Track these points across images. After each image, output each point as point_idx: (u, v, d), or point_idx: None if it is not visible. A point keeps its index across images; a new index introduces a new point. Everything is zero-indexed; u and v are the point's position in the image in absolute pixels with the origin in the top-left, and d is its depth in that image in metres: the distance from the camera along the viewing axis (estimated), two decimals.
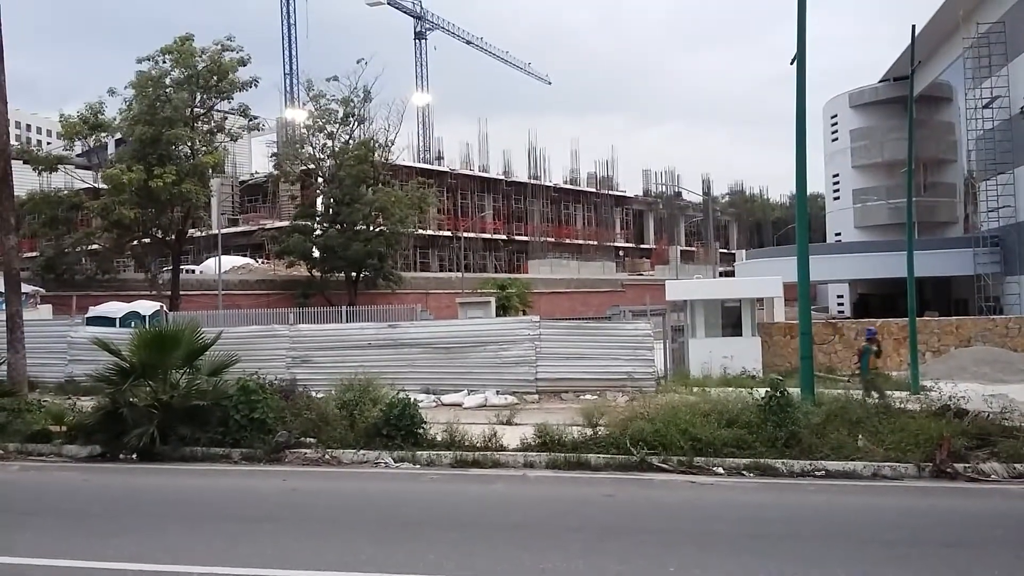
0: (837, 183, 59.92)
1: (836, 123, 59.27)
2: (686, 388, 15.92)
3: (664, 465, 10.22)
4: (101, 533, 7.66)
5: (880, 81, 55.90)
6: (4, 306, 16.51)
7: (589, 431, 11.32)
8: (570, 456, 10.63)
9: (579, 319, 24.66)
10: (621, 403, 13.94)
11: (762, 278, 27.83)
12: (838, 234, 58.88)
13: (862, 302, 51.47)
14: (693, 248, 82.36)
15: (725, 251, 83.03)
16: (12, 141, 17.17)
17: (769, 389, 11.14)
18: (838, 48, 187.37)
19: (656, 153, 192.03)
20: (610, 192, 76.99)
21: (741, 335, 21.32)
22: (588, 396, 17.25)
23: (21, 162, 31.15)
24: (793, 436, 10.46)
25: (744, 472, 10.04)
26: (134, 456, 11.36)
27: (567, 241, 70.40)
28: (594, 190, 75.69)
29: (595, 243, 72.68)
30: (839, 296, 56.62)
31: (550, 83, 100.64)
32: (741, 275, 48.05)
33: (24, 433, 12.35)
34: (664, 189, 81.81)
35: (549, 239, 68.29)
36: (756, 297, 23.48)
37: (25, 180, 30.10)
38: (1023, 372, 20.30)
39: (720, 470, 10.10)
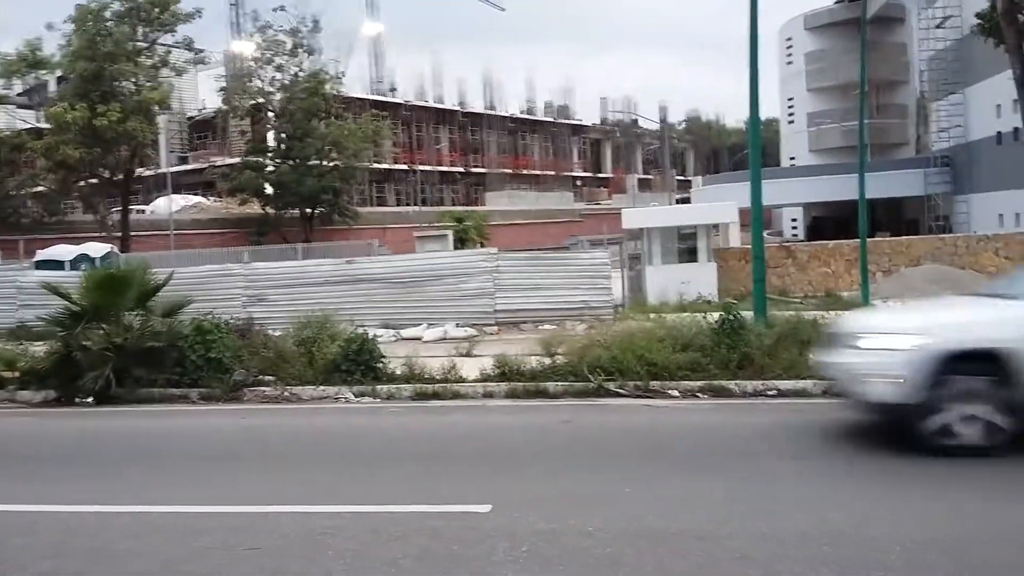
0: (792, 107, 59.96)
1: (791, 46, 58.97)
2: (643, 315, 16.07)
3: (621, 390, 10.37)
4: (58, 477, 7.65)
5: (836, 2, 55.59)
6: None
7: (547, 360, 11.39)
8: (529, 385, 10.73)
9: (537, 250, 24.68)
10: (579, 332, 14.03)
11: (717, 204, 27.93)
12: (792, 158, 59.11)
13: (816, 225, 52.04)
14: (650, 176, 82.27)
15: (682, 178, 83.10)
16: None
17: (723, 313, 11.31)
18: None
19: (613, 82, 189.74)
20: (567, 121, 76.36)
21: (697, 261, 21.51)
22: (547, 326, 17.32)
23: None
24: (746, 357, 10.63)
25: (698, 394, 10.24)
26: (90, 400, 11.25)
27: (525, 172, 69.93)
28: (551, 120, 75.00)
29: (553, 174, 72.34)
30: (793, 220, 57.23)
31: (503, 10, 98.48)
32: (698, 202, 48.11)
33: None
34: (621, 118, 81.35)
35: (506, 171, 67.74)
36: (711, 223, 23.65)
37: None
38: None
39: (675, 393, 10.28)
